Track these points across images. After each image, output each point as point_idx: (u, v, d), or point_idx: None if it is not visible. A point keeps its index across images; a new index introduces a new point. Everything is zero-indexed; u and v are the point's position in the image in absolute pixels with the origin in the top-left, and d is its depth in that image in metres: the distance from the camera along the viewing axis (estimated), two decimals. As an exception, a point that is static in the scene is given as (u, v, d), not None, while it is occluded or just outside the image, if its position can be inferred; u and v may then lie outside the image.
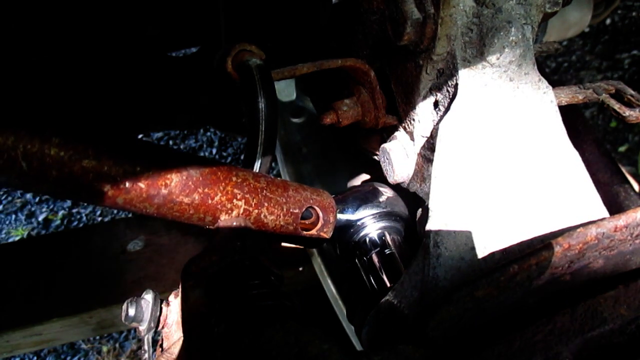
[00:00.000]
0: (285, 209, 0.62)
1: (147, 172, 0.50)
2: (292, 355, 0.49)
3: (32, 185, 0.43)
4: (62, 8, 0.82)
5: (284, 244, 0.69)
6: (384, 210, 0.86)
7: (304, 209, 0.65)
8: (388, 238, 0.85)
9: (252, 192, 0.59)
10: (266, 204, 0.61)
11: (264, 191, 0.60)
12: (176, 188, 0.52)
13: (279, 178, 0.65)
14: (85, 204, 2.69)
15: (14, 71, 0.83)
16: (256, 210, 0.60)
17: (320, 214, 0.68)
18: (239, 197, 0.58)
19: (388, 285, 0.79)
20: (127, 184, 0.48)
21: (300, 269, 1.52)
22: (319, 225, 0.69)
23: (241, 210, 0.58)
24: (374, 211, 0.84)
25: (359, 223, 0.86)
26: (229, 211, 0.57)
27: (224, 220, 0.71)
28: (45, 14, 0.80)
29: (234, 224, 0.71)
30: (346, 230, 0.87)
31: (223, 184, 0.57)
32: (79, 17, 0.85)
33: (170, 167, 0.52)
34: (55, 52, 0.85)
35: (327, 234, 0.70)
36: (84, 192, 0.47)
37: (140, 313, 0.65)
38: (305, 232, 0.67)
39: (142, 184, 0.49)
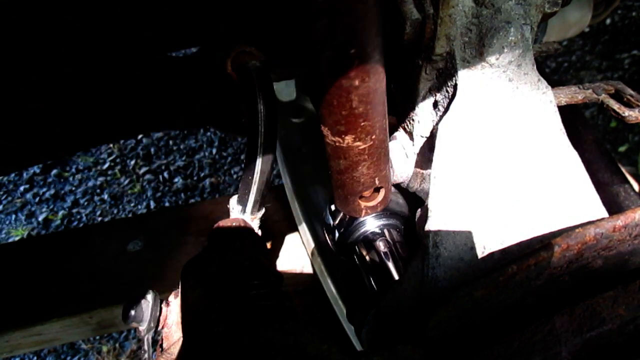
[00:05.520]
0: (374, 174, 0.62)
1: (362, 56, 0.46)
2: (292, 355, 0.49)
3: None
4: (62, 8, 0.82)
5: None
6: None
7: (379, 185, 0.65)
8: (388, 236, 0.85)
9: (379, 141, 0.57)
10: (375, 159, 0.59)
11: (380, 149, 0.59)
12: (362, 89, 0.48)
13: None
14: (85, 204, 2.69)
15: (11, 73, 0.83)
16: (366, 156, 0.58)
17: (380, 197, 0.68)
18: (372, 137, 0.55)
19: (388, 284, 0.80)
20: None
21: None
22: (371, 204, 0.68)
23: (361, 147, 0.56)
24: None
25: (359, 220, 0.86)
26: (357, 139, 0.54)
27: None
28: (44, 13, 0.81)
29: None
30: (346, 227, 0.87)
31: (379, 117, 0.54)
32: (78, 17, 0.85)
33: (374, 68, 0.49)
34: (54, 52, 0.85)
35: (369, 212, 0.70)
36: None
37: (140, 313, 0.65)
38: (361, 200, 0.67)
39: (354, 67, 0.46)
